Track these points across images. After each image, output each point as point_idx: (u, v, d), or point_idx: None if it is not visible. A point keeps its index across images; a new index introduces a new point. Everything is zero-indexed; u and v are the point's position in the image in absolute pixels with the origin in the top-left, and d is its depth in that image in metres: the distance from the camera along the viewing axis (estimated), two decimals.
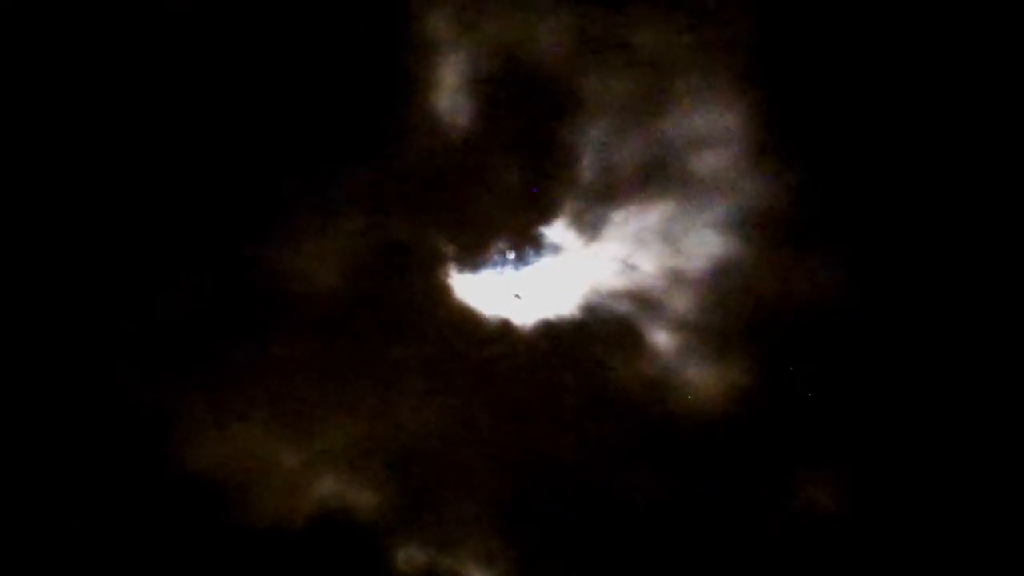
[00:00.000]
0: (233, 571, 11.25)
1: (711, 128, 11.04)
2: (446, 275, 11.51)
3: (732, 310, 11.31)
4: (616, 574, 11.21)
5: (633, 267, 11.50)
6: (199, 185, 10.94)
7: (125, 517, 11.07)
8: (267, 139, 10.88)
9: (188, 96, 10.79)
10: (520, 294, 11.57)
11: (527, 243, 11.50)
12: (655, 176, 11.25)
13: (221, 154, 10.92)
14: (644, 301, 11.52)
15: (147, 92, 10.79)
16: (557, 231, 11.53)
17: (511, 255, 11.45)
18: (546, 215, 11.45)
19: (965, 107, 10.68)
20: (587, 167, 11.28)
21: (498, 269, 11.54)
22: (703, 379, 11.32)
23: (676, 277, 11.42)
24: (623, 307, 11.55)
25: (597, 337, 11.56)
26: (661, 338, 11.49)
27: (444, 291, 11.51)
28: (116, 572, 11.00)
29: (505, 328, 11.59)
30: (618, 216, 11.44)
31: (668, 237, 11.41)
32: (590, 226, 11.48)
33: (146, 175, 10.95)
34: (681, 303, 11.44)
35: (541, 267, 11.61)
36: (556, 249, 11.58)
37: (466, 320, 11.55)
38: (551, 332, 11.58)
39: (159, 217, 11.00)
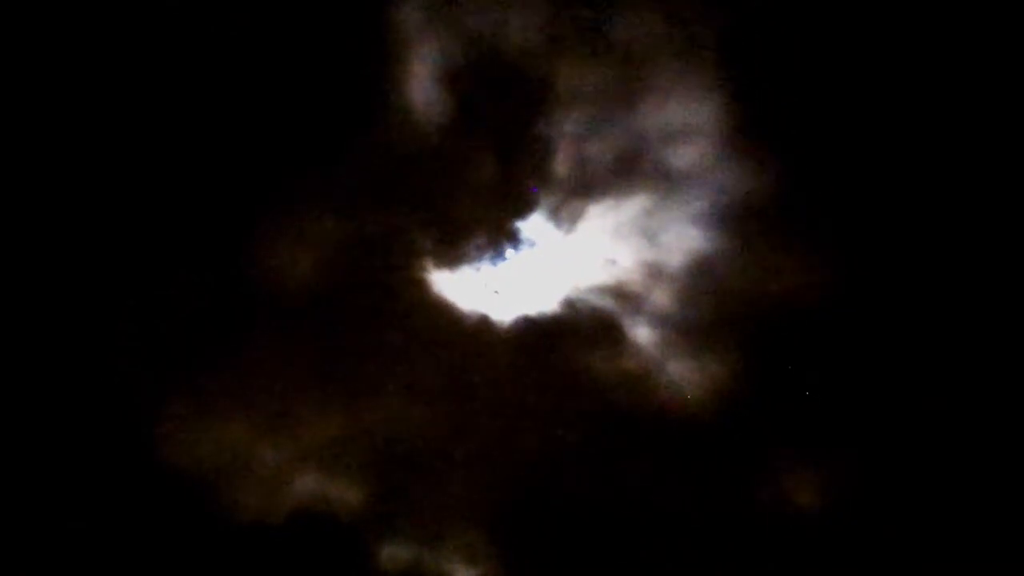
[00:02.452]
0: (215, 566, 11.25)
1: (688, 120, 10.93)
2: (424, 271, 11.49)
3: (712, 305, 11.23)
4: (599, 569, 11.13)
5: (611, 261, 11.47)
6: (174, 186, 10.92)
7: (108, 512, 11.10)
8: (241, 136, 10.80)
9: (160, 94, 10.81)
10: (498, 289, 11.57)
11: (504, 238, 11.50)
12: (632, 169, 11.19)
13: (195, 153, 10.86)
14: (623, 295, 11.45)
15: (117, 91, 10.84)
16: (534, 225, 11.49)
17: (512, 249, 11.46)
18: (523, 209, 11.39)
19: (945, 100, 10.57)
20: (563, 160, 11.21)
21: (475, 264, 11.55)
22: (684, 374, 11.25)
23: (655, 271, 11.35)
24: (602, 302, 11.48)
25: (576, 332, 11.52)
26: (641, 333, 11.43)
27: (422, 287, 11.46)
28: (99, 566, 11.06)
29: (484, 324, 11.55)
30: (595, 210, 11.35)
31: (646, 231, 11.33)
32: (567, 220, 11.42)
33: (121, 178, 10.97)
34: (661, 298, 11.36)
35: (518, 262, 11.58)
36: (533, 244, 11.56)
37: (445, 316, 11.50)
38: (530, 328, 11.53)
39: (136, 219, 10.94)
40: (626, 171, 11.22)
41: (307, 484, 11.48)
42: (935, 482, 10.59)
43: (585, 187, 11.34)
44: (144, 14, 10.78)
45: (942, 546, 10.48)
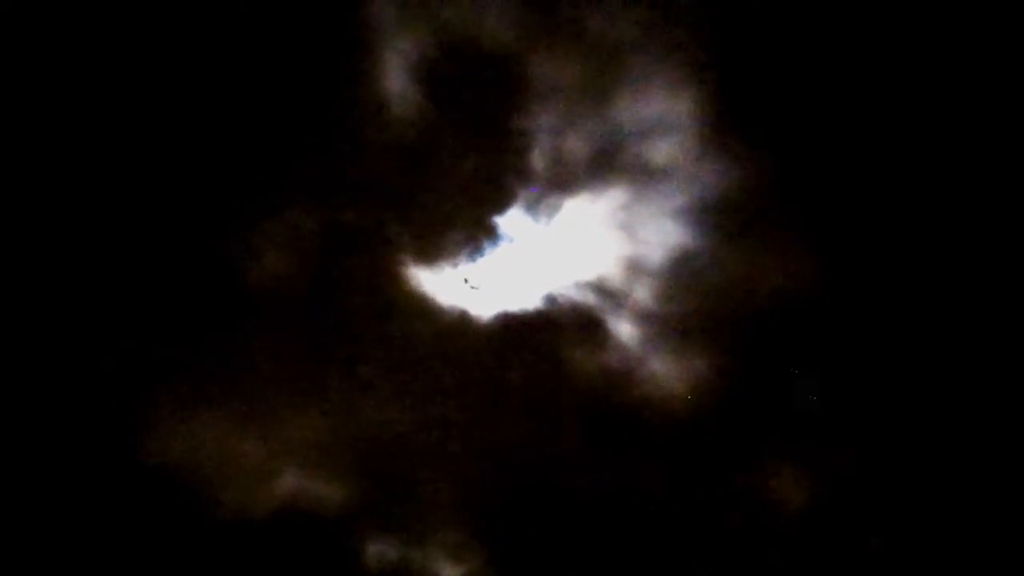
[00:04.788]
0: (200, 563, 11.28)
1: (666, 115, 10.86)
2: (403, 267, 11.44)
3: (693, 299, 11.17)
4: (583, 565, 11.07)
5: (591, 257, 11.42)
6: (153, 184, 10.92)
7: (91, 507, 11.15)
8: (219, 133, 10.81)
9: (140, 94, 10.88)
10: (477, 285, 11.52)
11: (483, 233, 11.44)
12: (611, 164, 11.12)
13: (173, 151, 10.85)
14: (603, 291, 11.40)
15: (100, 93, 10.94)
16: (513, 220, 11.43)
17: (490, 244, 11.39)
18: (501, 203, 11.33)
19: (924, 94, 10.49)
20: (542, 155, 11.15)
21: (454, 260, 11.48)
22: (665, 369, 11.18)
23: (635, 266, 11.29)
24: (582, 297, 11.43)
25: (557, 328, 11.45)
26: (622, 328, 11.36)
27: (401, 283, 11.42)
28: (82, 562, 11.12)
29: (463, 320, 11.52)
30: (574, 205, 11.30)
31: (626, 226, 11.29)
32: (546, 215, 11.37)
33: (104, 175, 11.02)
34: (641, 292, 11.31)
35: (497, 257, 11.51)
36: (512, 239, 11.49)
37: (424, 312, 11.48)
38: (510, 323, 11.49)
39: (118, 217, 10.94)
40: (605, 166, 11.17)
41: (291, 482, 11.48)
42: (925, 478, 10.45)
43: (564, 182, 11.29)
44: (119, 14, 10.85)
45: (931, 544, 10.30)
